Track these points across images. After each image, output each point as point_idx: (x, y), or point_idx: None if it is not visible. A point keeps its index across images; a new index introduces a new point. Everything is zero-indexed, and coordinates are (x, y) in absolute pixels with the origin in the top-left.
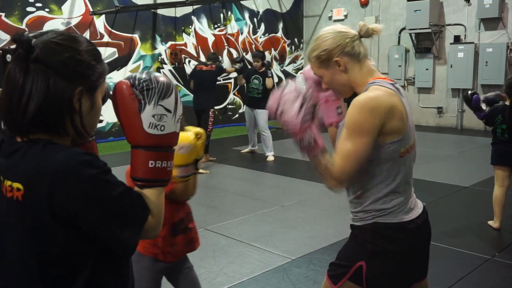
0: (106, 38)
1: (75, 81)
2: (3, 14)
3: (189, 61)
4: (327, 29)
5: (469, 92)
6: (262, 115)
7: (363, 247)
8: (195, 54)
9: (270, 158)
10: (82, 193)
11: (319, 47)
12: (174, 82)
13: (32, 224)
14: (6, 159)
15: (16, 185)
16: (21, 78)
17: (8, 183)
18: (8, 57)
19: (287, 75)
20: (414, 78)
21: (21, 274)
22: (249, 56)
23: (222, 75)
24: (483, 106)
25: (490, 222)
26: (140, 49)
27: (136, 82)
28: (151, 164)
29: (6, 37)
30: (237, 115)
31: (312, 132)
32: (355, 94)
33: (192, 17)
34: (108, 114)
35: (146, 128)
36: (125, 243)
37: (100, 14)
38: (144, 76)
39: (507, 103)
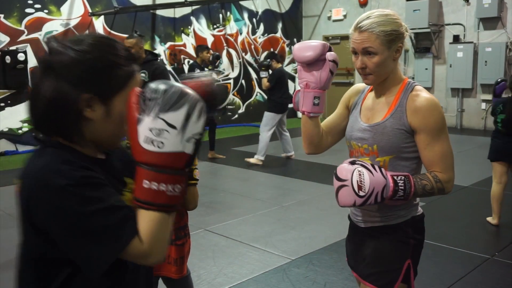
0: None
1: (82, 87)
2: (2, 16)
3: (188, 62)
4: (394, 13)
5: (499, 79)
6: (264, 117)
7: (406, 244)
8: (194, 55)
9: (253, 161)
10: (49, 203)
11: (391, 24)
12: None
13: (21, 218)
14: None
15: (19, 181)
16: (37, 80)
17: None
18: (7, 58)
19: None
20: (413, 78)
21: (17, 267)
22: (248, 57)
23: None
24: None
25: (488, 219)
26: None
27: (145, 90)
28: (145, 184)
29: (6, 39)
30: (236, 116)
31: (391, 184)
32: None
33: (191, 17)
34: None
35: (141, 142)
36: (88, 263)
37: (99, 15)
38: (155, 84)
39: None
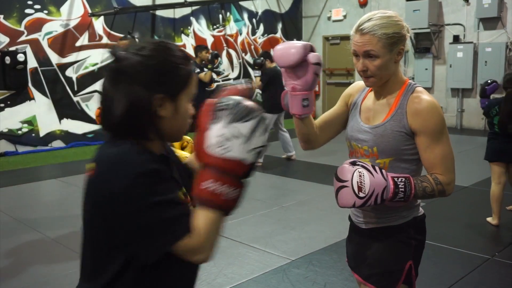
0: (105, 40)
1: (154, 89)
2: (1, 16)
3: None
4: (395, 14)
5: (490, 80)
6: None
7: (408, 245)
8: (194, 55)
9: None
10: (119, 187)
11: (393, 26)
12: None
13: (94, 200)
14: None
15: (92, 165)
16: (108, 86)
17: (88, 165)
18: (7, 59)
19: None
20: (413, 78)
21: (85, 244)
22: (248, 57)
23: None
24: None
25: (489, 219)
26: None
27: (218, 101)
28: (205, 184)
29: (5, 39)
30: None
31: (391, 186)
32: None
33: (191, 18)
34: None
35: (208, 146)
36: (141, 251)
37: (99, 16)
38: (227, 98)
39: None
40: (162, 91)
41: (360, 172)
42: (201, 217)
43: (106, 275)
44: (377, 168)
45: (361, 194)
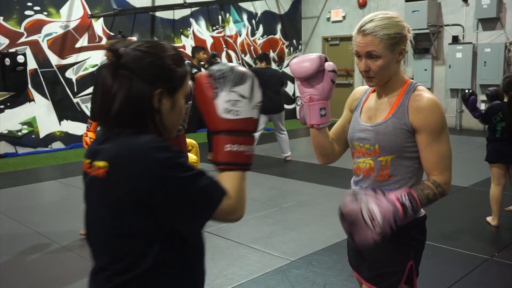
0: (105, 41)
1: (155, 83)
2: (1, 18)
3: (187, 63)
4: (397, 15)
5: (467, 92)
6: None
7: (409, 246)
8: (191, 56)
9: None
10: (156, 173)
11: (394, 27)
12: None
13: (113, 198)
14: (99, 146)
15: (102, 163)
16: (110, 81)
17: (95, 163)
18: (7, 60)
19: (286, 76)
20: (412, 79)
21: (101, 246)
22: (248, 58)
23: None
24: (481, 106)
25: (488, 219)
26: None
27: (213, 72)
28: (227, 148)
29: (5, 41)
30: None
31: (399, 209)
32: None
33: (191, 19)
34: None
35: (221, 113)
36: (191, 223)
37: (98, 17)
38: (220, 66)
39: (506, 100)
40: (162, 86)
41: (368, 206)
42: (231, 178)
43: (141, 264)
44: (379, 193)
45: (378, 230)
